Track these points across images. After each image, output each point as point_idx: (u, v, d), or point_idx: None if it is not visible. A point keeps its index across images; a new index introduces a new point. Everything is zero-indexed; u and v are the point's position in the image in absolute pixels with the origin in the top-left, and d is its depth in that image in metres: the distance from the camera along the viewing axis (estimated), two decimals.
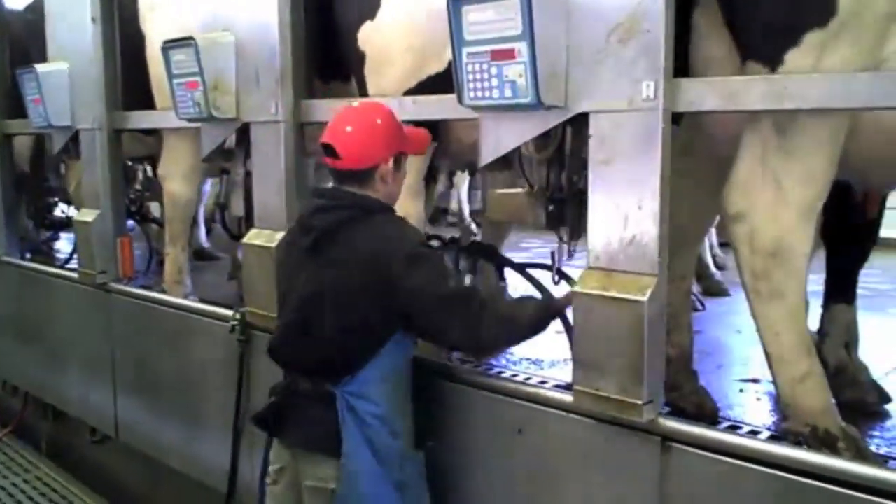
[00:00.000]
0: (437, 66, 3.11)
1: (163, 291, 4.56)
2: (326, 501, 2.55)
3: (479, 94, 2.43)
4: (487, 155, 2.58)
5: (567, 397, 2.44)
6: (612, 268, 2.29)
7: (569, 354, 2.89)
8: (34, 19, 5.53)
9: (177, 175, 4.46)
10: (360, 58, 3.33)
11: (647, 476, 2.28)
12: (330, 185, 2.71)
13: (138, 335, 4.39)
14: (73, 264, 5.75)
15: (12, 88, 5.56)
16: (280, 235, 3.33)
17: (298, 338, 2.63)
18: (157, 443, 4.28)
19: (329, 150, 2.56)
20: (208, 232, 6.94)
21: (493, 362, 3.46)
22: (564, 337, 2.93)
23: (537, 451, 2.57)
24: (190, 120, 3.62)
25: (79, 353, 4.90)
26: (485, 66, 2.39)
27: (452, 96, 2.70)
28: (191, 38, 3.38)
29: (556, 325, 3.10)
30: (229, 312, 3.67)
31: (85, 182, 4.60)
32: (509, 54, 2.32)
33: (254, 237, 3.44)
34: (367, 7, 3.30)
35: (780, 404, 2.41)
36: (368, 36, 3.30)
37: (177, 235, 4.56)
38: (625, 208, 2.25)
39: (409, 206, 3.26)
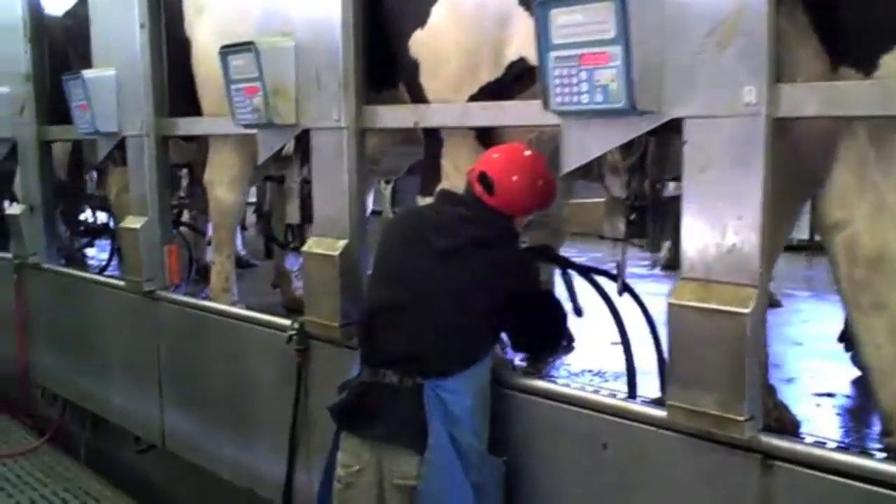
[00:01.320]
0: (494, 71, 3.06)
1: (208, 299, 4.51)
2: (408, 498, 2.61)
3: (568, 99, 2.36)
4: (571, 162, 2.51)
5: (659, 412, 2.36)
6: (709, 278, 2.22)
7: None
8: (73, 24, 5.51)
9: (223, 181, 4.40)
10: (413, 65, 3.26)
11: (748, 495, 2.20)
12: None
13: (187, 343, 4.34)
14: (110, 271, 5.78)
15: (52, 94, 5.57)
16: (343, 243, 3.28)
17: (399, 327, 2.71)
18: (207, 453, 4.22)
19: (486, 182, 2.74)
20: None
21: (553, 373, 3.39)
22: (621, 348, 2.88)
23: (624, 467, 2.49)
24: (247, 126, 3.56)
25: (123, 360, 4.85)
26: (573, 71, 2.33)
27: (528, 101, 2.65)
28: (251, 42, 3.33)
29: (613, 335, 3.04)
30: (286, 321, 3.61)
31: (132, 189, 4.55)
32: (601, 58, 2.25)
33: (314, 246, 3.38)
34: (417, 14, 3.24)
35: (882, 419, 2.32)
36: (421, 43, 3.23)
37: (223, 243, 4.51)
38: (724, 218, 2.18)
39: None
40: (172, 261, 4.49)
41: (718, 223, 2.19)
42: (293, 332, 3.51)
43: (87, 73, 4.46)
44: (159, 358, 4.50)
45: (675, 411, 2.28)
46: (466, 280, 2.68)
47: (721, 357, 2.16)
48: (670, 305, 2.27)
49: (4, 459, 5.62)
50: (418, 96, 3.26)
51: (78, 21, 5.45)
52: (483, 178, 2.77)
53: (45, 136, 5.51)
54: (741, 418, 2.14)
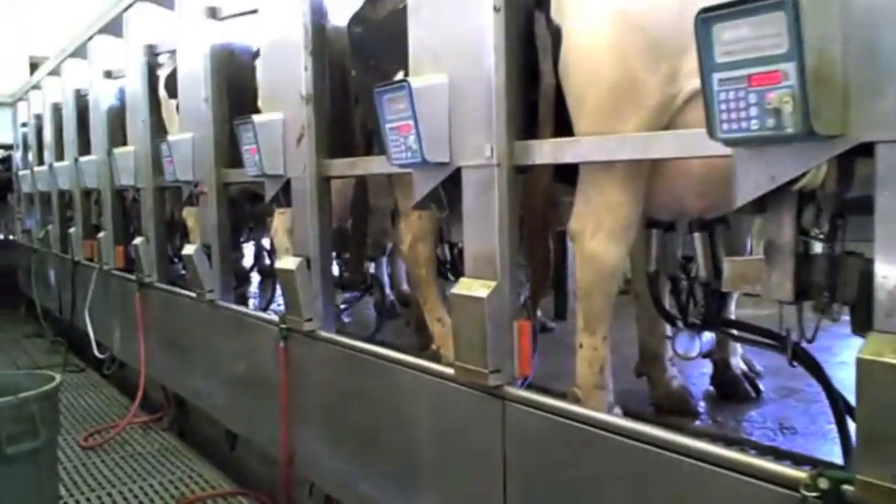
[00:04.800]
0: None
1: (574, 397, 3.16)
2: None
3: None
4: None
5: None
6: None
7: None
8: (362, 32, 4.42)
9: (602, 230, 3.03)
10: None
11: None
12: None
13: (552, 463, 2.96)
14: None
15: (335, 123, 4.49)
16: None
17: None
18: None
19: None
20: None
21: None
22: None
23: None
24: (735, 143, 2.14)
25: (446, 472, 3.52)
26: None
27: None
28: None
29: None
30: (785, 470, 2.15)
31: (470, 242, 3.26)
32: None
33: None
34: None
35: None
36: None
37: (597, 317, 3.13)
38: None
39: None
40: (525, 343, 3.15)
41: None
42: (817, 494, 2.03)
43: (415, 82, 3.22)
44: (505, 477, 3.15)
45: None
46: None
47: None
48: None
49: None
50: None
51: (369, 27, 4.36)
52: None
53: (327, 172, 4.38)
54: None
